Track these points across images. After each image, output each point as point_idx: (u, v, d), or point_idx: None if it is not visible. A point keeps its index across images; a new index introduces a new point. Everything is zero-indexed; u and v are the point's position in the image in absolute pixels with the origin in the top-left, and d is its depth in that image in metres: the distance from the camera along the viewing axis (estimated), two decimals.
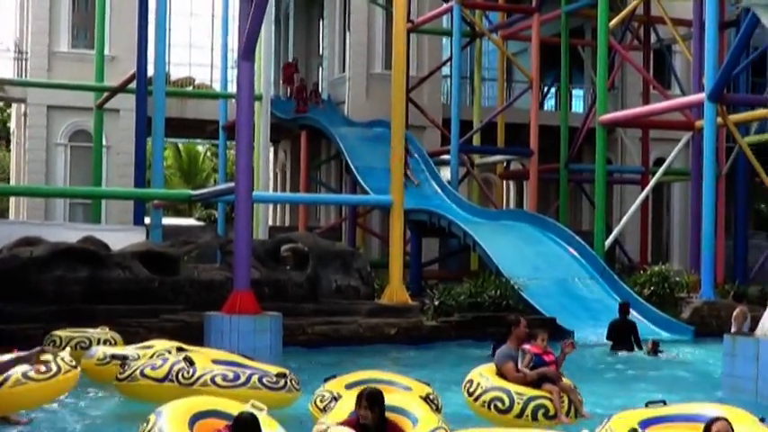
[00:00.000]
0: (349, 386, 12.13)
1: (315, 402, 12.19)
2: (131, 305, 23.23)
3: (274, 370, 14.08)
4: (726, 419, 8.52)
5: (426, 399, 11.46)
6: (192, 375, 13.68)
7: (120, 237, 27.62)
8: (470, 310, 25.31)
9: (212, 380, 13.58)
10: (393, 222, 27.21)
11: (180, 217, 59.75)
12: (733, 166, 34.18)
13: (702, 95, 28.85)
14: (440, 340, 23.95)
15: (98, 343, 18.38)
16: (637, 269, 33.00)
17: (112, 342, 18.72)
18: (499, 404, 12.00)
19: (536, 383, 12.54)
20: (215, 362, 14.25)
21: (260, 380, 13.66)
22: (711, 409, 9.80)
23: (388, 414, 9.57)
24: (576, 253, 30.44)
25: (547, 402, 12.22)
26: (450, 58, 40.18)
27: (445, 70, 43.43)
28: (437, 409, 11.62)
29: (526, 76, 40.23)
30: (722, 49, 31.24)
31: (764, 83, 28.31)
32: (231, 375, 13.69)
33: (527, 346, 12.51)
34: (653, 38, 40.74)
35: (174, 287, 24.70)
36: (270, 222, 41.41)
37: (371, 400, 9.19)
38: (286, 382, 13.78)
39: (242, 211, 21.15)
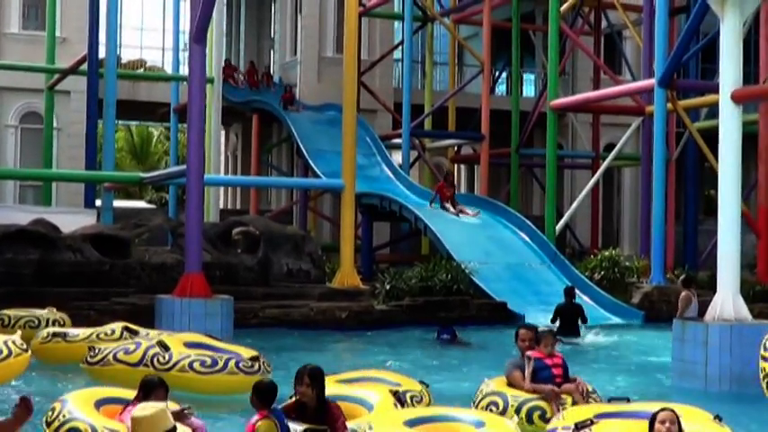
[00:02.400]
0: (340, 382, 11.73)
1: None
2: (82, 288, 23.17)
3: (246, 353, 14.14)
4: (671, 410, 8.56)
5: (402, 394, 11.12)
6: (169, 360, 13.69)
7: (71, 219, 27.47)
8: (421, 295, 25.36)
9: (190, 365, 13.62)
10: (344, 206, 27.23)
11: (131, 200, 59.45)
12: (683, 152, 34.39)
13: (653, 81, 29.02)
14: (390, 324, 23.96)
15: (47, 323, 18.34)
16: (587, 254, 33.22)
17: (61, 323, 18.69)
18: (494, 408, 11.56)
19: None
20: (187, 345, 14.23)
21: (236, 365, 13.70)
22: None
23: (341, 402, 9.57)
24: (526, 238, 30.57)
25: (543, 404, 11.63)
26: (402, 42, 40.17)
27: (397, 54, 43.39)
28: (419, 405, 11.29)
29: (478, 61, 40.26)
30: (672, 36, 31.40)
31: (714, 69, 28.45)
32: (209, 361, 13.72)
33: (530, 353, 11.99)
34: (604, 23, 40.89)
35: (125, 270, 24.63)
36: (221, 205, 41.39)
37: (312, 376, 9.13)
38: (260, 366, 13.85)
39: (193, 194, 21.07)
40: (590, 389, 11.92)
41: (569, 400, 11.69)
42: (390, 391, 10.92)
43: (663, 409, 8.56)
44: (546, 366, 11.90)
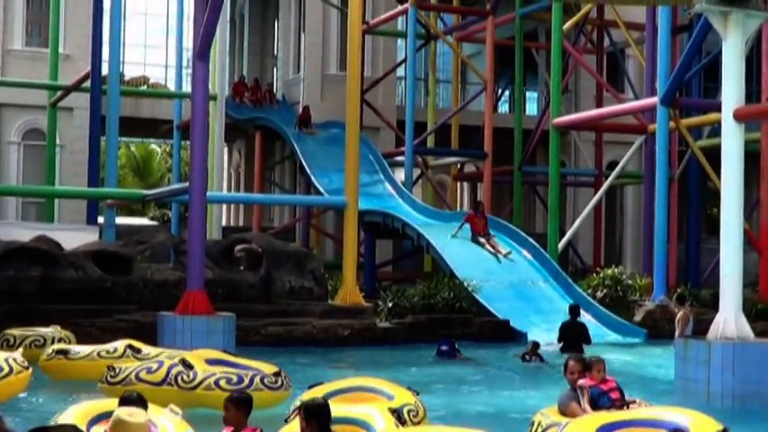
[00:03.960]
0: (328, 395, 11.49)
1: (287, 416, 11.46)
2: (84, 305, 23.14)
3: (267, 368, 14.17)
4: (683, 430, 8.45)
5: (399, 410, 10.92)
6: (193, 379, 13.69)
7: (73, 236, 27.48)
8: (424, 312, 25.36)
9: (216, 383, 13.64)
10: (347, 223, 27.22)
11: (133, 216, 59.40)
12: (685, 170, 34.40)
13: (655, 99, 29.05)
14: (393, 342, 23.97)
15: (52, 342, 18.35)
16: (590, 272, 33.16)
17: (67, 341, 18.68)
18: None
19: None
20: (209, 362, 14.24)
21: (261, 380, 13.77)
22: (673, 414, 9.64)
23: (343, 427, 9.51)
24: (529, 255, 30.53)
25: None
26: (405, 60, 40.25)
27: (400, 72, 43.47)
28: (416, 420, 11.19)
29: (480, 79, 40.31)
30: (675, 54, 31.44)
31: (716, 87, 28.45)
32: (235, 378, 13.76)
33: (582, 382, 11.66)
34: (606, 41, 40.98)
35: (127, 287, 24.61)
36: (224, 223, 41.35)
37: (308, 412, 8.95)
38: (282, 381, 13.92)
39: (196, 211, 21.09)
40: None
41: None
42: (389, 409, 10.80)
43: (677, 429, 8.44)
44: (603, 392, 11.67)
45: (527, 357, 21.23)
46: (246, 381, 13.73)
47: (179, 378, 13.73)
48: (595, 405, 11.45)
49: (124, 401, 9.22)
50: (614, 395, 11.68)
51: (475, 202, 33.25)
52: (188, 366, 13.82)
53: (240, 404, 9.37)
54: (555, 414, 11.41)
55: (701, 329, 19.37)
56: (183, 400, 11.25)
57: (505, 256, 30.23)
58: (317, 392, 11.68)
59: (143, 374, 13.93)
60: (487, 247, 30.55)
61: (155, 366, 14.08)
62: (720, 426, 9.50)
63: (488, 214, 34.62)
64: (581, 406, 11.42)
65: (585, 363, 11.93)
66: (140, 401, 9.23)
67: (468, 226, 31.07)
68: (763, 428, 13.08)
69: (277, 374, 13.98)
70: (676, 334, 22.15)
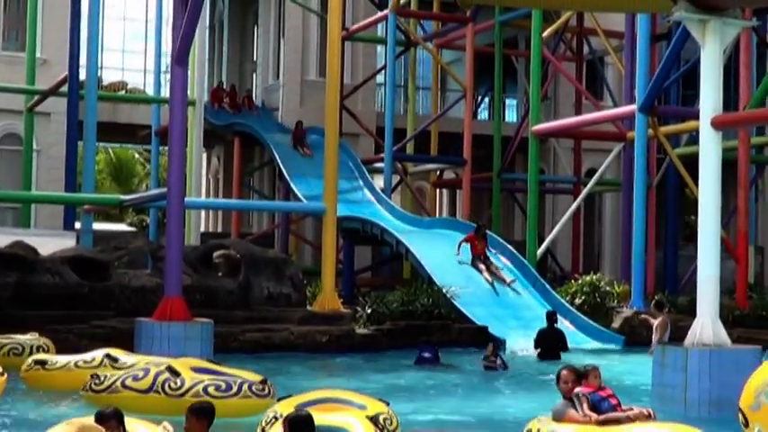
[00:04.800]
0: (300, 406, 11.33)
1: (261, 423, 11.56)
2: (61, 311, 23.02)
3: (251, 376, 14.18)
4: None
5: (375, 418, 11.02)
6: (181, 386, 13.64)
7: (50, 242, 27.32)
8: (402, 318, 25.34)
9: (205, 390, 13.61)
10: (326, 230, 27.20)
11: (111, 222, 59.20)
12: (663, 178, 34.47)
13: (634, 107, 29.12)
14: (371, 348, 23.92)
15: (30, 350, 18.25)
16: (568, 279, 33.17)
17: (45, 348, 18.60)
18: None
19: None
20: (194, 370, 14.21)
21: (249, 388, 13.77)
22: (659, 429, 9.55)
23: None
24: (508, 262, 30.52)
25: None
26: (385, 67, 40.24)
27: (379, 78, 43.45)
28: (391, 428, 11.26)
29: (460, 86, 40.34)
30: (653, 62, 31.50)
31: (695, 95, 28.53)
32: (224, 385, 13.75)
33: (578, 389, 11.49)
34: (586, 49, 41.07)
35: (104, 293, 24.51)
36: (202, 228, 41.19)
37: (293, 425, 8.97)
38: (269, 389, 13.93)
39: (174, 217, 21.02)
40: (652, 412, 11.64)
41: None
42: (367, 416, 10.80)
43: None
44: (603, 398, 11.56)
45: (491, 360, 21.08)
46: (235, 388, 13.74)
47: (166, 385, 13.69)
48: (597, 411, 11.35)
49: (101, 417, 9.02)
50: (614, 401, 11.61)
51: (476, 226, 30.90)
52: (175, 374, 13.79)
53: (202, 414, 9.32)
54: (552, 422, 11.31)
55: (678, 336, 19.42)
56: (171, 407, 11.21)
57: (509, 284, 29.00)
58: (288, 404, 11.67)
59: (129, 382, 13.88)
60: (485, 275, 29.17)
61: (141, 374, 14.04)
62: None
63: (466, 220, 34.66)
64: (580, 413, 11.27)
65: (579, 372, 11.76)
66: (115, 416, 9.10)
67: (467, 246, 29.96)
68: None
69: (263, 382, 13.99)
70: (654, 340, 22.26)
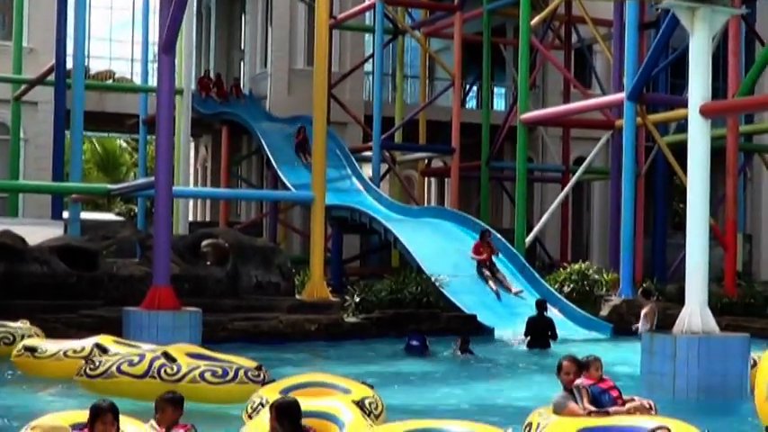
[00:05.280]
0: (284, 391, 11.55)
1: (246, 409, 11.56)
2: (49, 300, 22.96)
3: (246, 363, 14.24)
4: (666, 428, 8.36)
5: (362, 402, 10.96)
6: (177, 372, 13.66)
7: (38, 231, 27.24)
8: (391, 307, 25.35)
9: (201, 376, 13.64)
10: (314, 218, 27.17)
11: (99, 212, 59.09)
12: (652, 166, 34.52)
13: (622, 95, 29.12)
14: (360, 337, 23.93)
15: (21, 338, 18.20)
16: (557, 267, 33.22)
17: (36, 336, 18.55)
18: None
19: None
20: (190, 356, 14.22)
21: (245, 374, 13.78)
22: (654, 422, 9.47)
23: (311, 421, 9.48)
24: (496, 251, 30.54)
25: None
26: (373, 55, 40.19)
27: (367, 67, 43.41)
28: (377, 413, 11.25)
29: (448, 74, 40.32)
30: (642, 50, 31.50)
31: (683, 83, 28.53)
32: (220, 371, 13.77)
33: (579, 381, 11.36)
34: (574, 38, 41.05)
35: (92, 282, 24.46)
36: (190, 218, 41.21)
37: (279, 411, 8.99)
38: (264, 375, 13.92)
39: (162, 206, 21.00)
40: (652, 404, 11.61)
41: None
42: (353, 401, 10.79)
43: (660, 427, 8.35)
44: (603, 391, 11.47)
45: (457, 354, 21.06)
46: (231, 374, 13.77)
47: (162, 371, 13.69)
48: (597, 404, 11.26)
49: (97, 410, 8.71)
50: (614, 393, 11.53)
51: (481, 232, 29.65)
52: (171, 359, 13.78)
53: (177, 404, 9.33)
54: (552, 414, 11.04)
55: (666, 324, 19.44)
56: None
57: (516, 294, 28.00)
58: (273, 389, 11.68)
59: (125, 367, 13.87)
60: (491, 283, 28.23)
61: (136, 359, 14.01)
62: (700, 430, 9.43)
63: (455, 208, 34.64)
64: (580, 406, 11.12)
65: (580, 363, 11.60)
66: (112, 410, 8.90)
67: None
68: (728, 422, 13.12)
69: (259, 368, 14.03)
70: (641, 327, 22.28)
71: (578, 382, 11.36)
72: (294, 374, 13.63)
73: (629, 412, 11.09)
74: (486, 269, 28.59)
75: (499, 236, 31.16)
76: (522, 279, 29.04)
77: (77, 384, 14.18)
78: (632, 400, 11.55)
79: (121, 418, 9.15)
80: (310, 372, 14.32)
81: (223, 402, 13.38)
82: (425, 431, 9.38)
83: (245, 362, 14.32)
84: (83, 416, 9.49)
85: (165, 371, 13.67)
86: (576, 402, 11.15)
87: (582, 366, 11.56)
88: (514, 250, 30.58)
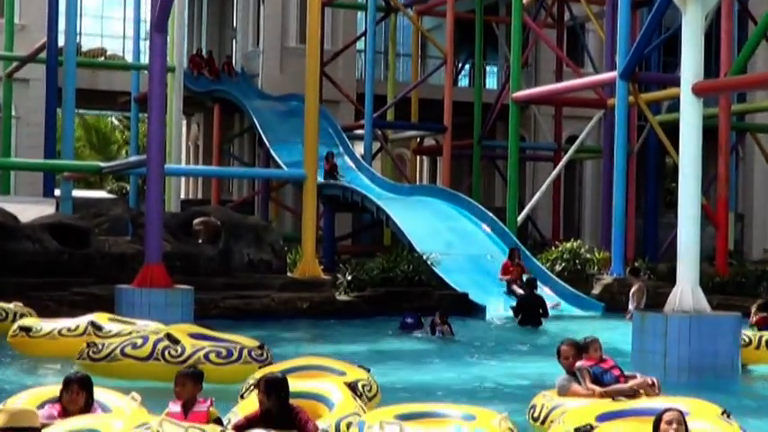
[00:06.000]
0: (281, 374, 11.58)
1: (242, 391, 11.55)
2: (41, 278, 22.93)
3: (248, 342, 14.28)
4: (678, 410, 8.35)
5: (354, 384, 10.90)
6: (182, 353, 13.70)
7: (30, 209, 27.23)
8: (383, 285, 25.37)
9: (206, 357, 13.68)
10: (306, 196, 27.15)
11: (91, 189, 59.08)
12: (644, 145, 34.55)
13: (615, 74, 29.10)
14: (352, 315, 23.95)
15: (14, 316, 18.20)
16: (549, 245, 33.25)
17: (29, 316, 18.54)
18: None
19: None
20: (192, 336, 14.25)
21: (249, 354, 13.85)
22: (674, 404, 9.40)
23: (300, 401, 9.51)
24: (488, 229, 30.61)
25: None
26: (365, 33, 40.12)
27: (360, 45, 43.34)
28: (370, 395, 11.26)
29: (441, 52, 40.26)
30: (635, 29, 31.47)
31: (676, 62, 28.48)
32: (225, 352, 13.83)
33: (580, 363, 11.35)
34: (567, 16, 40.99)
35: (84, 260, 24.44)
36: (182, 196, 41.14)
37: (267, 386, 9.10)
38: (267, 354, 13.99)
39: (154, 184, 20.97)
40: (655, 381, 11.52)
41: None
42: (345, 383, 10.77)
43: (669, 409, 8.35)
44: (605, 370, 11.43)
45: (437, 328, 20.76)
46: (236, 354, 13.83)
47: (166, 353, 13.72)
48: (599, 384, 11.24)
49: (65, 381, 9.07)
50: (616, 372, 11.50)
51: (510, 251, 27.96)
52: (174, 341, 13.80)
53: (197, 379, 9.37)
54: (556, 397, 11.15)
55: (658, 303, 19.49)
56: (171, 374, 11.10)
57: (553, 308, 25.19)
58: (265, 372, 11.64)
59: (128, 350, 13.87)
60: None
61: (140, 341, 14.02)
62: (720, 409, 9.41)
63: (447, 186, 34.62)
64: (584, 387, 11.14)
65: (579, 345, 11.60)
66: (79, 382, 9.02)
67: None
68: (719, 400, 13.15)
69: (261, 347, 14.08)
70: (631, 306, 22.36)
71: (579, 364, 11.36)
72: (288, 352, 13.69)
73: (632, 389, 11.09)
74: (516, 286, 26.50)
75: (491, 214, 31.20)
76: None
77: (79, 367, 14.17)
78: (634, 377, 11.53)
79: (101, 390, 9.24)
80: (306, 354, 14.33)
81: (228, 382, 13.37)
82: (418, 414, 9.39)
83: (247, 341, 14.35)
84: (49, 392, 9.56)
85: (170, 353, 13.70)
86: (580, 384, 11.18)
87: (581, 349, 11.56)
88: (506, 229, 30.62)
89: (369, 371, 11.90)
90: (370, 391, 11.34)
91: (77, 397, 8.87)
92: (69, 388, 8.93)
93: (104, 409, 9.07)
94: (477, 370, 16.89)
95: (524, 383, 14.98)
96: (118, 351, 13.87)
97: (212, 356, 13.70)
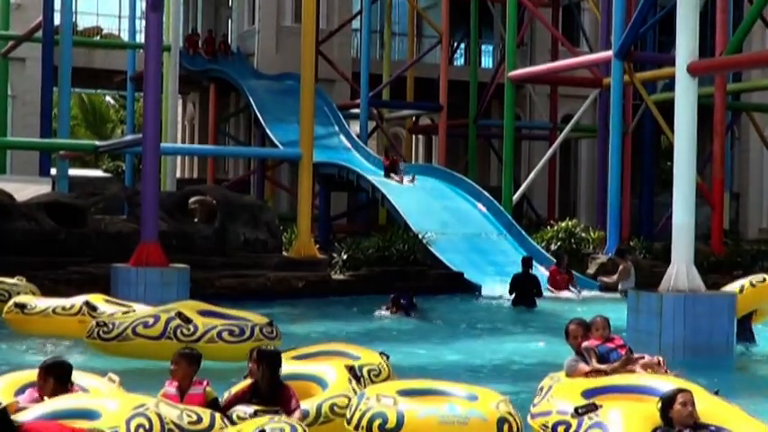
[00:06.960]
0: (297, 358, 11.30)
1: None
2: (37, 257, 22.93)
3: (257, 318, 14.35)
4: (690, 391, 8.37)
5: (352, 367, 10.54)
6: (194, 332, 13.77)
7: (26, 187, 27.28)
8: (378, 264, 25.41)
9: (219, 335, 13.80)
10: (302, 176, 27.17)
11: (87, 168, 59.03)
12: (639, 124, 34.56)
13: (610, 53, 29.12)
14: (347, 294, 24.00)
15: (18, 294, 18.18)
16: (544, 225, 33.30)
17: (29, 294, 18.53)
18: None
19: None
20: (202, 314, 14.31)
21: (261, 331, 13.96)
22: (661, 382, 9.39)
23: (298, 382, 9.56)
24: (483, 208, 30.64)
25: None
26: (361, 12, 40.06)
27: (355, 24, 43.29)
28: (378, 380, 10.81)
29: (436, 31, 40.23)
30: (630, 8, 31.42)
31: (671, 41, 28.46)
32: (237, 330, 13.91)
33: (586, 343, 11.26)
34: None
35: (80, 239, 24.45)
36: (178, 175, 41.16)
37: (260, 355, 9.24)
38: (276, 331, 14.12)
39: (149, 163, 21.00)
40: (661, 360, 11.58)
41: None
42: (346, 366, 10.68)
43: (681, 390, 8.33)
44: (611, 349, 11.36)
45: (393, 310, 20.69)
46: (248, 332, 13.92)
47: (178, 331, 13.77)
48: (606, 362, 11.18)
49: (39, 368, 8.98)
50: (623, 351, 11.43)
51: (557, 255, 26.82)
52: (186, 320, 13.85)
53: (193, 360, 9.39)
54: (565, 378, 10.92)
55: (653, 282, 19.53)
56: None
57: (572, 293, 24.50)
58: (287, 356, 11.56)
59: (140, 329, 13.88)
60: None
61: (151, 321, 14.03)
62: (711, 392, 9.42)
63: (442, 165, 34.60)
64: (590, 366, 11.04)
65: (587, 325, 11.57)
66: (49, 368, 8.89)
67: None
68: (714, 380, 13.21)
69: (270, 324, 14.19)
70: (619, 287, 22.59)
71: (585, 344, 11.32)
72: (285, 332, 13.71)
73: (636, 362, 11.14)
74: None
75: (486, 194, 31.22)
76: (510, 237, 29.12)
77: (90, 346, 14.20)
78: (642, 357, 11.51)
79: (79, 373, 9.21)
80: (304, 333, 14.32)
81: (240, 360, 13.41)
82: (421, 391, 9.35)
83: (256, 317, 14.42)
84: (27, 377, 9.53)
85: (182, 331, 13.75)
86: (587, 364, 11.12)
87: (588, 328, 11.54)
88: (502, 208, 30.66)
89: (387, 357, 11.72)
90: (377, 376, 11.01)
91: (45, 384, 8.79)
92: (39, 374, 8.90)
93: (83, 392, 9.05)
94: (469, 347, 16.94)
95: (520, 361, 15.05)
96: (129, 331, 13.89)
97: (225, 335, 13.80)
